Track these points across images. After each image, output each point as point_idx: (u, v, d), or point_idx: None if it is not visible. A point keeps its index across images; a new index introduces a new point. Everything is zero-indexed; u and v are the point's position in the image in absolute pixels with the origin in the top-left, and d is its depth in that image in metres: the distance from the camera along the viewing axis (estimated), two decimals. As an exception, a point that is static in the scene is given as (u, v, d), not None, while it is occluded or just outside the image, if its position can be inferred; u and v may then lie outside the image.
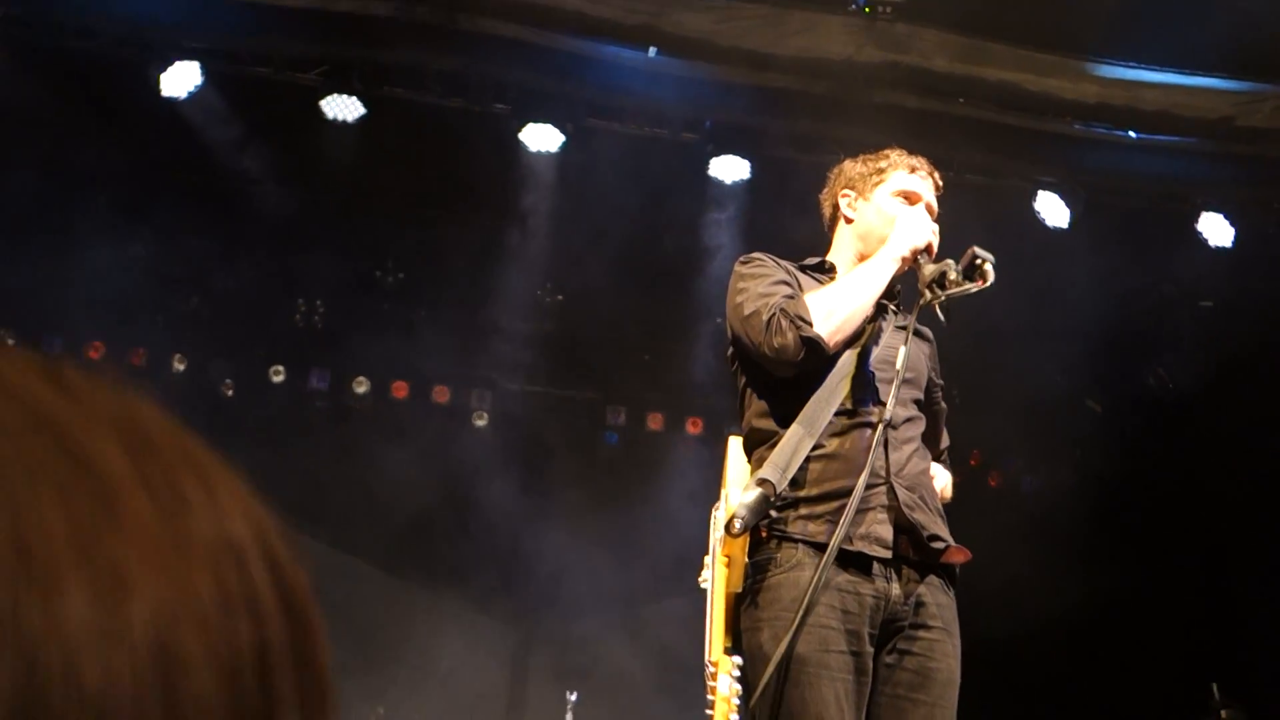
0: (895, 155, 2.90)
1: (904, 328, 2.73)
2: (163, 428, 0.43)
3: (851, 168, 2.95)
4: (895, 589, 2.49)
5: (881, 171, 2.87)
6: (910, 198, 2.83)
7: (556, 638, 6.91)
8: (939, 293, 2.62)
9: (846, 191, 2.92)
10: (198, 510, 0.40)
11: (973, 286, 2.61)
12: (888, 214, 2.80)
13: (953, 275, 2.62)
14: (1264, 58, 5.59)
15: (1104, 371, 7.09)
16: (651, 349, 7.25)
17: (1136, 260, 6.35)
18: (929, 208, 2.84)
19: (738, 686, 2.31)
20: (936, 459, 2.92)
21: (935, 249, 2.71)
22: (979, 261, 2.62)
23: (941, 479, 2.82)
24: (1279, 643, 6.50)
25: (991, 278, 2.61)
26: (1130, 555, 6.82)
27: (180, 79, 5.58)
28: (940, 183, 2.91)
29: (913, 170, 2.86)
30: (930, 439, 2.86)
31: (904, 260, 2.67)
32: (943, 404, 2.95)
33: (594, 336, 7.17)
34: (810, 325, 2.56)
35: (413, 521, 6.70)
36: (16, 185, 6.21)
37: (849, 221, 2.90)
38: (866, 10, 5.48)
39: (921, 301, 2.64)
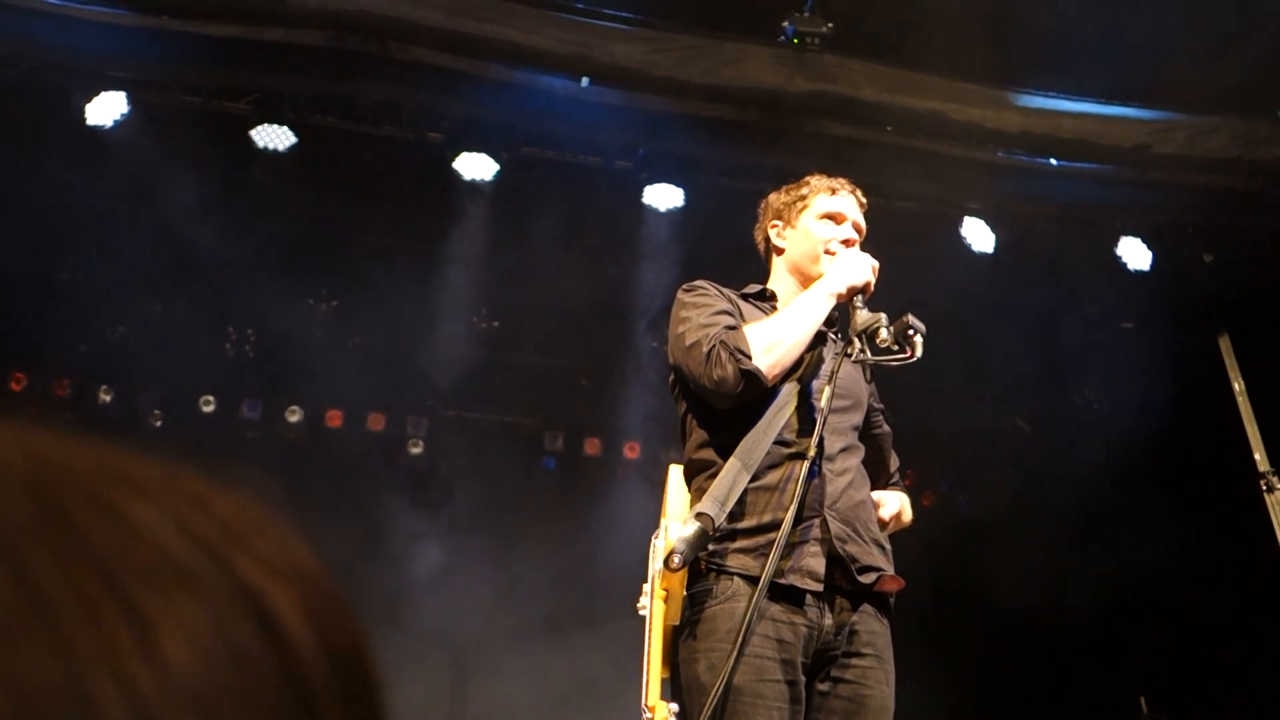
0: (815, 180, 2.98)
1: (832, 372, 2.75)
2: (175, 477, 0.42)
3: (776, 199, 3.02)
4: (828, 620, 2.53)
5: (804, 198, 2.95)
6: (835, 218, 2.91)
7: (495, 666, 6.86)
8: (868, 353, 2.64)
9: (775, 223, 3.00)
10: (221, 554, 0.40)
11: (899, 358, 2.61)
12: (815, 236, 2.87)
13: (884, 334, 2.62)
14: (1177, 88, 5.79)
15: (1031, 392, 7.25)
16: (588, 374, 7.27)
17: (1060, 283, 6.52)
18: (855, 225, 2.91)
19: (675, 732, 2.33)
20: (887, 482, 2.97)
21: (872, 289, 2.75)
22: (911, 333, 2.61)
23: (893, 504, 2.84)
24: (1207, 654, 6.67)
25: (919, 352, 2.60)
26: (1059, 570, 6.96)
27: (106, 108, 5.50)
28: (863, 200, 2.98)
29: (833, 192, 2.94)
30: (876, 464, 2.91)
31: (839, 297, 2.72)
32: (886, 427, 3.00)
33: (530, 362, 7.17)
34: (749, 358, 2.60)
35: (347, 551, 6.63)
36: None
37: (780, 252, 2.97)
38: (795, 41, 5.58)
39: (850, 352, 2.65)
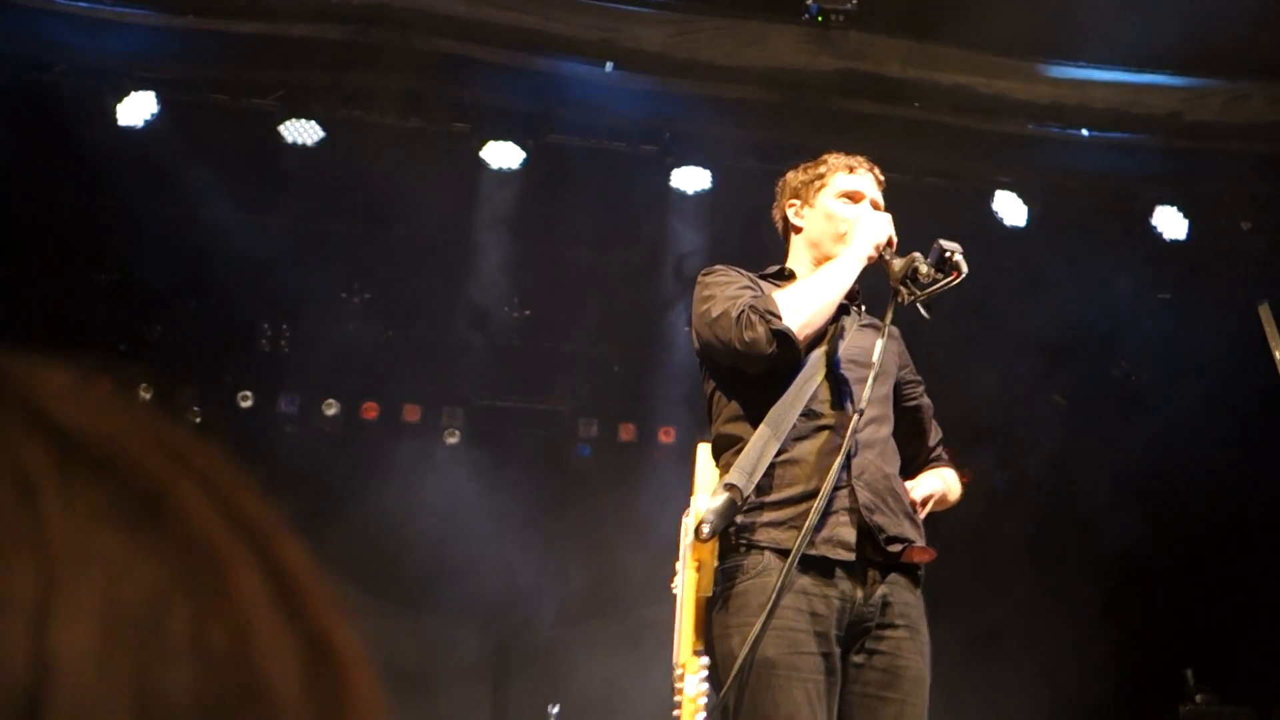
0: (833, 159, 2.96)
1: (869, 326, 2.78)
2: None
3: (794, 178, 3.01)
4: (859, 591, 2.53)
5: (822, 176, 2.93)
6: (853, 196, 2.89)
7: (536, 652, 6.91)
8: (916, 291, 2.66)
9: (793, 201, 2.99)
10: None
11: (950, 280, 2.65)
12: (835, 215, 2.87)
13: (924, 269, 2.65)
14: (1210, 53, 5.70)
15: (1068, 366, 7.18)
16: (621, 360, 7.28)
17: (1094, 256, 6.45)
18: (873, 203, 2.90)
19: (705, 687, 2.34)
20: (928, 457, 2.95)
21: (895, 242, 2.76)
22: (948, 254, 2.65)
23: (927, 486, 2.82)
24: (1253, 629, 6.59)
25: (965, 268, 2.64)
26: (1101, 547, 6.90)
27: (137, 108, 5.57)
28: (881, 177, 2.97)
29: (851, 170, 2.93)
30: (915, 437, 2.90)
31: (869, 258, 2.72)
32: (925, 399, 2.98)
33: (563, 350, 7.19)
34: (780, 319, 2.60)
35: (387, 542, 6.69)
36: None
37: (798, 231, 2.96)
38: (820, 19, 5.54)
39: (901, 300, 2.67)
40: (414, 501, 6.70)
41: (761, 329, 2.58)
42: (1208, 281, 6.34)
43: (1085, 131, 5.96)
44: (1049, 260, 6.38)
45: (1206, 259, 6.30)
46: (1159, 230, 6.24)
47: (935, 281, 2.65)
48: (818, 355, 2.69)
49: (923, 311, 2.73)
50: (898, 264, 2.69)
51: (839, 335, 2.75)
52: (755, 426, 2.60)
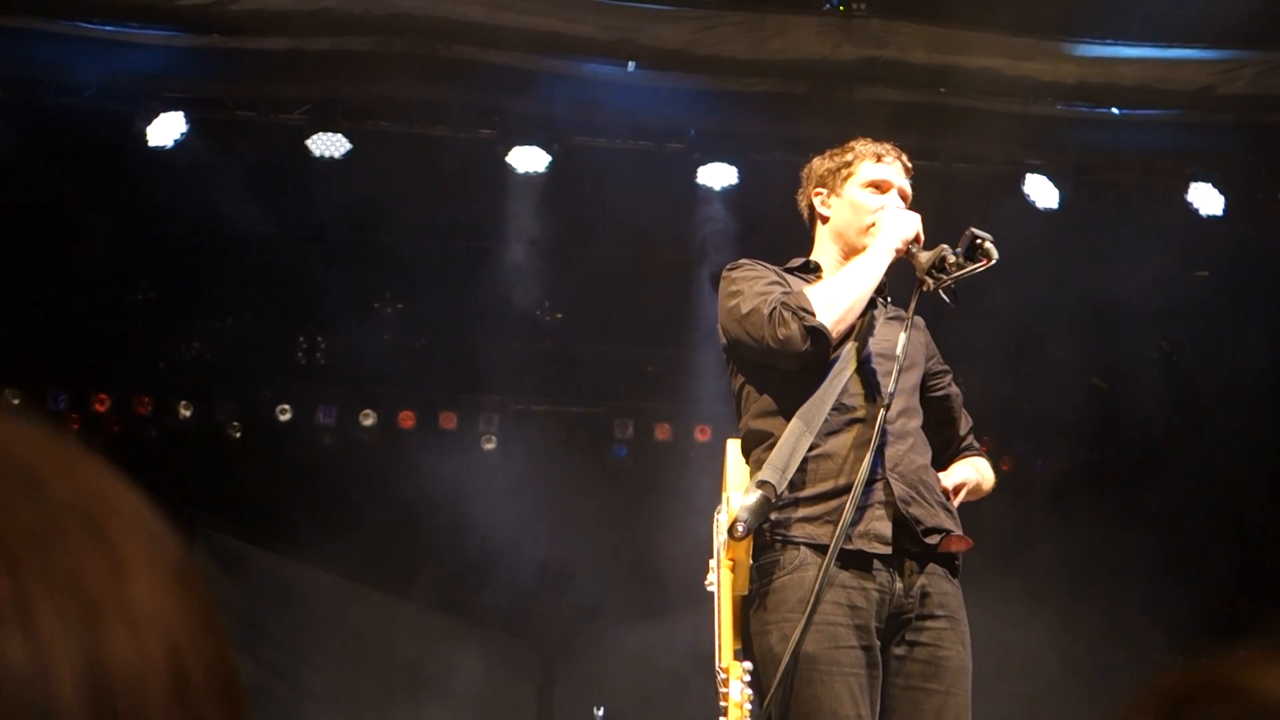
0: (860, 146, 2.93)
1: (894, 318, 2.76)
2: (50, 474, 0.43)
3: (820, 165, 2.98)
4: (898, 583, 2.51)
5: (849, 164, 2.90)
6: (881, 186, 2.86)
7: (580, 654, 6.92)
8: (942, 277, 2.65)
9: (819, 190, 2.95)
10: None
11: (979, 266, 2.64)
12: (862, 206, 2.84)
13: (951, 259, 2.65)
14: (1240, 25, 5.61)
15: (1106, 348, 7.10)
16: (654, 360, 7.27)
17: (1129, 235, 6.36)
18: (901, 193, 2.87)
19: (749, 691, 2.33)
20: (959, 447, 2.93)
21: (923, 237, 2.75)
22: (979, 241, 2.66)
23: (959, 475, 2.79)
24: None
25: (995, 254, 2.64)
26: (1146, 529, 6.81)
27: (166, 128, 5.63)
28: (909, 164, 2.94)
29: (879, 158, 2.89)
30: (945, 426, 2.87)
31: (897, 252, 2.70)
32: (954, 388, 2.96)
33: (596, 351, 7.19)
34: (813, 315, 2.58)
35: (428, 548, 6.73)
36: (12, 242, 6.26)
37: (825, 220, 2.94)
38: (841, 9, 5.51)
39: (925, 289, 2.66)
40: (453, 507, 6.73)
41: (795, 325, 2.57)
42: (1246, 256, 6.24)
43: (1115, 110, 5.89)
44: (1083, 241, 6.31)
45: (1244, 233, 6.19)
46: (1195, 206, 6.14)
47: (963, 269, 2.64)
48: (848, 349, 2.68)
49: (946, 299, 2.71)
50: (924, 256, 2.69)
51: (868, 329, 2.73)
52: (786, 422, 2.59)
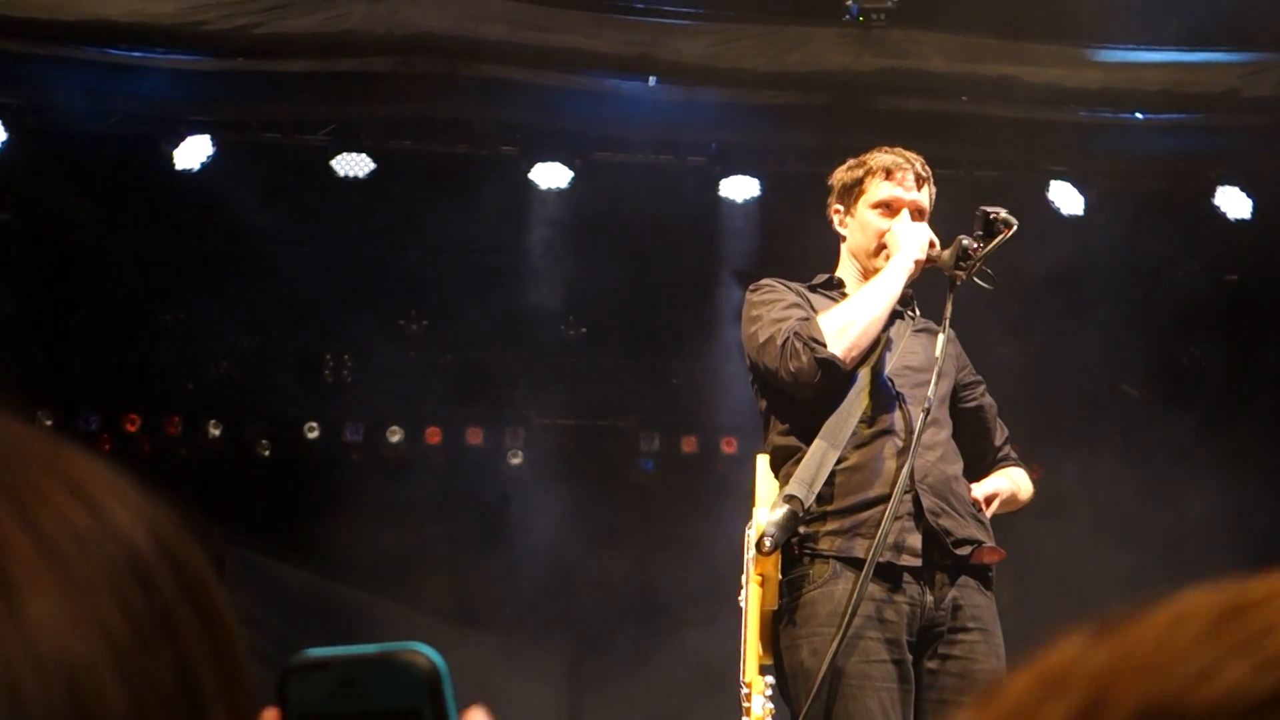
0: (874, 159, 2.88)
1: (923, 330, 2.76)
2: (25, 443, 0.39)
3: (839, 177, 2.97)
4: (929, 596, 2.50)
5: (861, 182, 2.88)
6: (891, 205, 2.83)
7: (608, 668, 6.91)
8: (972, 264, 2.65)
9: (837, 208, 2.96)
10: (86, 534, 0.37)
11: (1002, 237, 2.64)
12: (871, 228, 2.83)
13: (973, 244, 2.65)
14: (1265, 26, 5.57)
15: (1136, 355, 7.04)
16: (679, 372, 7.28)
17: (1156, 241, 6.32)
18: (914, 207, 2.82)
19: (771, 706, 2.33)
20: (996, 457, 2.91)
21: (938, 241, 2.75)
22: (993, 216, 2.66)
23: (991, 485, 2.77)
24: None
25: (1014, 221, 2.64)
26: (1183, 538, 6.74)
27: (193, 152, 5.69)
28: (924, 172, 2.89)
29: (889, 174, 2.85)
30: (980, 437, 2.86)
31: (916, 263, 2.70)
32: (987, 399, 2.94)
33: (621, 365, 7.20)
34: (824, 346, 2.58)
35: (457, 563, 6.75)
36: (43, 266, 6.34)
37: (844, 239, 2.94)
38: (860, 19, 5.51)
39: (960, 283, 2.66)
40: (481, 523, 6.74)
41: (806, 358, 2.57)
42: (1275, 260, 6.18)
43: (1139, 115, 5.85)
44: (1109, 248, 6.26)
45: (1273, 237, 6.14)
46: (1222, 210, 6.09)
47: (987, 247, 2.64)
48: (874, 362, 2.67)
49: (983, 283, 2.71)
50: (946, 255, 2.68)
51: (894, 342, 2.73)
52: (811, 437, 2.59)
